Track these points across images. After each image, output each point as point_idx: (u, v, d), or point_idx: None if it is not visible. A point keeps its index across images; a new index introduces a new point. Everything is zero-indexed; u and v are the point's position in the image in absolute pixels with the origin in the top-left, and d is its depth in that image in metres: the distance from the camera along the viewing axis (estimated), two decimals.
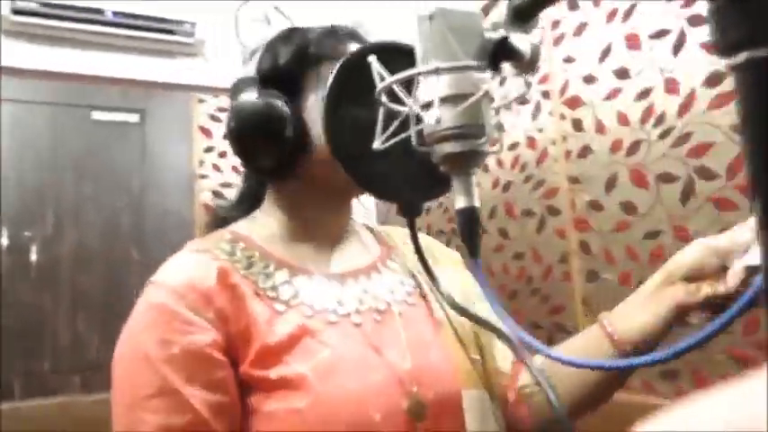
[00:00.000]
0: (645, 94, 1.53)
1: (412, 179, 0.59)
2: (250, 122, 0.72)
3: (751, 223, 0.67)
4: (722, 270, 0.67)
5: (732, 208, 1.32)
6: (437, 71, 0.43)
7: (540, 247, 1.87)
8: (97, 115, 2.42)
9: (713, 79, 1.36)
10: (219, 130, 2.69)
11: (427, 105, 0.46)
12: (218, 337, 0.64)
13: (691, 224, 1.42)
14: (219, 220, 0.82)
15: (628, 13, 1.58)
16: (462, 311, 0.56)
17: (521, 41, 0.40)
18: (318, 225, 0.78)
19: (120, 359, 0.65)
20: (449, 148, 0.46)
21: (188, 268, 0.68)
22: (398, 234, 0.89)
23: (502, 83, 1.46)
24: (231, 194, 2.64)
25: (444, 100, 0.47)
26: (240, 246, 0.74)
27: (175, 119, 2.60)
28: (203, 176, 2.61)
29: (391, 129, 0.49)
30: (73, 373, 2.20)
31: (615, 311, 0.73)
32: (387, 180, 0.58)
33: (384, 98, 0.51)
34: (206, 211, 2.58)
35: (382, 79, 0.50)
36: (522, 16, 0.39)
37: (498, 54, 0.41)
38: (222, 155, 2.67)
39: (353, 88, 0.57)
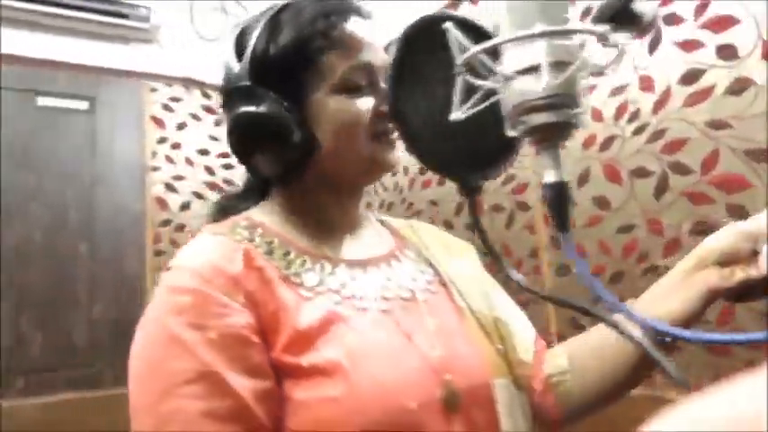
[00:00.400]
0: (619, 90, 1.57)
1: (470, 157, 0.57)
2: (254, 137, 0.68)
3: None
4: (753, 254, 0.68)
5: (707, 202, 1.37)
6: (543, 35, 0.41)
7: (509, 241, 1.88)
8: (43, 101, 2.27)
9: (688, 77, 1.40)
10: (173, 120, 2.58)
11: (526, 71, 0.44)
12: (252, 319, 0.60)
13: (665, 218, 1.46)
14: (224, 210, 0.77)
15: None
16: (548, 298, 0.54)
17: (642, 4, 0.38)
18: (333, 216, 0.76)
19: (145, 349, 0.60)
20: (542, 118, 0.44)
21: (211, 251, 0.64)
22: (407, 225, 0.86)
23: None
24: (184, 187, 2.52)
25: (534, 68, 0.45)
26: (258, 231, 0.70)
27: (127, 107, 2.47)
28: (155, 169, 2.49)
29: (474, 99, 0.47)
30: (15, 374, 2.05)
31: (643, 298, 0.72)
32: (447, 158, 0.55)
33: (461, 69, 0.48)
34: (158, 205, 2.47)
35: (461, 49, 0.48)
36: None
37: (619, 16, 0.39)
38: (175, 146, 2.56)
39: (414, 61, 0.54)
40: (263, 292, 0.62)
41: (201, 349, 0.57)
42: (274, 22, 0.71)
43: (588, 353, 0.75)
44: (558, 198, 0.45)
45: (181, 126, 2.59)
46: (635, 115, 1.52)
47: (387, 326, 0.66)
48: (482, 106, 0.48)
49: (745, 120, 1.30)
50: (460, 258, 0.82)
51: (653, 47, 1.48)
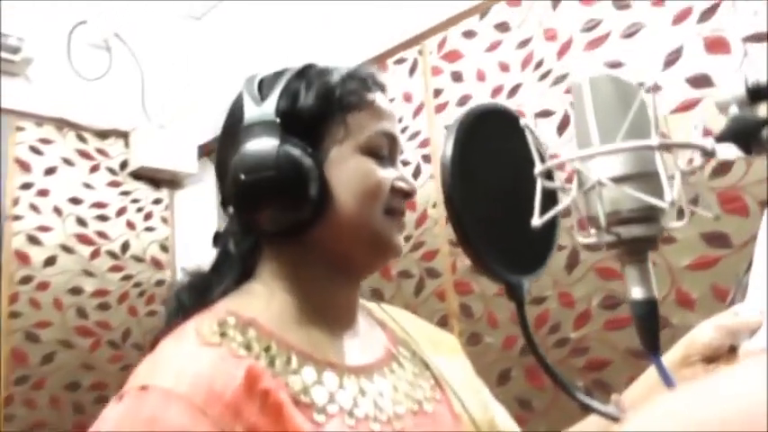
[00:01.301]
0: None
1: (515, 257, 0.53)
2: (272, 176, 0.60)
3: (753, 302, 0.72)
4: (732, 349, 0.70)
5: (615, 276, 1.45)
6: (663, 147, 0.39)
7: (418, 309, 1.87)
8: None
9: None
10: (41, 164, 2.30)
11: (622, 179, 0.42)
12: None
13: (575, 291, 1.53)
14: (201, 295, 0.66)
15: (513, 91, 1.70)
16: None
17: None
18: (331, 304, 0.67)
19: None
20: (636, 231, 0.42)
21: (205, 369, 0.53)
22: (381, 311, 0.79)
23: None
24: (50, 240, 2.24)
25: (623, 179, 0.43)
26: (251, 334, 0.59)
27: None
28: (17, 218, 2.19)
29: (559, 207, 0.44)
30: None
31: (634, 391, 0.72)
32: (496, 257, 0.51)
33: (541, 173, 0.45)
34: (18, 259, 2.16)
35: (541, 154, 0.45)
36: (762, 96, 0.38)
37: (743, 136, 0.38)
38: (42, 193, 2.28)
39: (470, 152, 0.50)
40: (269, 423, 0.52)
41: None
42: (303, 74, 0.67)
43: None
44: (649, 317, 0.43)
45: (50, 171, 2.32)
46: None
47: None
48: (555, 212, 0.45)
49: None
50: (449, 356, 0.77)
51: (561, 128, 1.58)
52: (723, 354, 0.70)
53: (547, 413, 1.56)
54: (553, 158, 0.45)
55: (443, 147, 0.50)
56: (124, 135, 2.52)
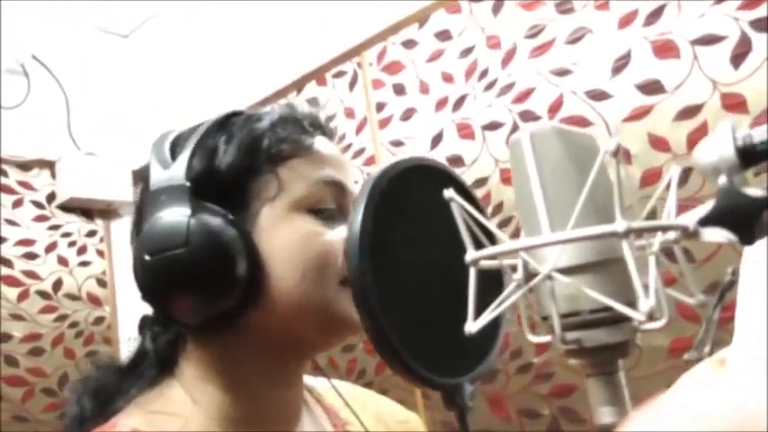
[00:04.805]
0: (481, 182, 1.55)
1: (451, 352, 0.43)
2: (181, 255, 0.48)
3: None
4: None
5: None
6: (631, 233, 0.29)
7: (367, 341, 1.76)
8: None
9: None
10: None
11: (574, 271, 0.32)
12: None
13: (535, 313, 1.44)
14: (106, 400, 0.53)
15: (458, 103, 1.61)
16: None
17: None
18: (269, 401, 0.56)
19: None
20: (598, 337, 0.33)
21: None
22: (330, 391, 0.66)
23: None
24: None
25: (580, 269, 0.33)
26: None
27: None
28: None
29: (506, 303, 0.34)
30: None
31: None
32: (425, 356, 0.40)
33: (474, 261, 0.35)
34: None
35: (469, 228, 0.35)
36: (754, 160, 0.29)
37: (749, 220, 0.29)
38: None
39: (388, 221, 0.39)
40: None
41: None
42: (224, 125, 0.55)
43: None
44: None
45: None
46: (500, 207, 1.52)
47: None
48: (498, 311, 0.35)
49: None
50: None
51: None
52: None
53: None
54: (496, 243, 0.35)
55: (351, 215, 0.39)
56: (50, 165, 2.34)
